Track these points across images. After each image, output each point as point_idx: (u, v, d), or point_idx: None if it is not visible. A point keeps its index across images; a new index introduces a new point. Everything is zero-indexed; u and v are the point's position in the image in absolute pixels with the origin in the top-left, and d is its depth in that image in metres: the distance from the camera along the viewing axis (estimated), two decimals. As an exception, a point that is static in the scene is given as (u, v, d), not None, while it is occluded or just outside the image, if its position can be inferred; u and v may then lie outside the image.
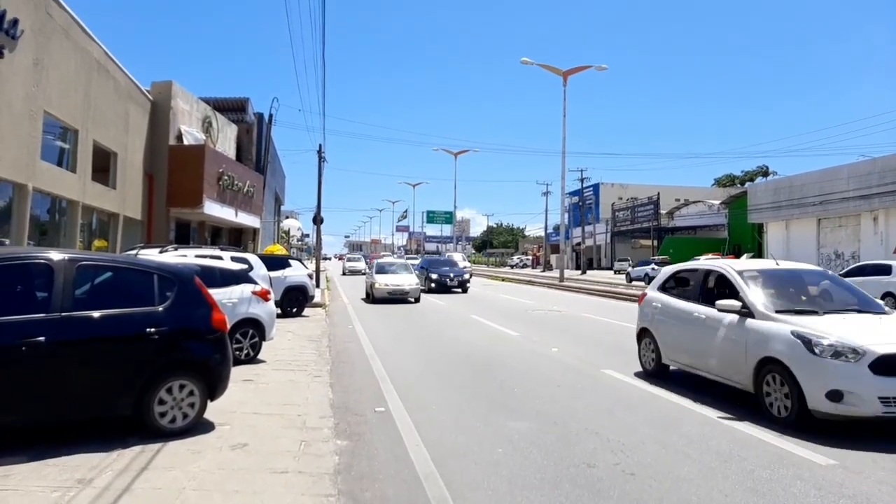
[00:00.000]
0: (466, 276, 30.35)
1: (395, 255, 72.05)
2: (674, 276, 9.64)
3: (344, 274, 50.82)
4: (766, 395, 6.90)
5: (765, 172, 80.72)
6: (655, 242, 65.40)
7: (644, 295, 9.89)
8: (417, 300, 23.69)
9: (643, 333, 9.60)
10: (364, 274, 38.22)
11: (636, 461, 5.51)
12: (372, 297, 23.91)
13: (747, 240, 55.19)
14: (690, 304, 8.59)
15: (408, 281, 24.00)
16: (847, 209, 38.87)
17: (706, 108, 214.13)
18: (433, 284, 29.01)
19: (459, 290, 29.46)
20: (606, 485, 4.94)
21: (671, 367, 9.13)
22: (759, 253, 50.08)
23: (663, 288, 9.57)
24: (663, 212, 66.64)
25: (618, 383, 8.95)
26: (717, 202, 64.32)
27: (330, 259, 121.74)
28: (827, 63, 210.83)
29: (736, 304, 7.55)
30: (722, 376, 7.78)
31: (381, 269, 25.18)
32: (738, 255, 51.81)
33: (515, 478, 5.09)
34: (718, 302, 7.78)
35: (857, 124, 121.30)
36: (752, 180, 73.99)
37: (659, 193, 65.81)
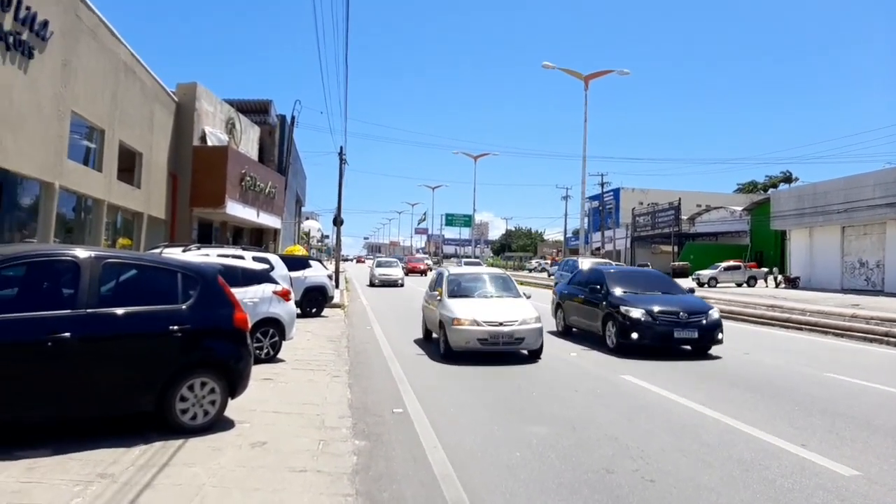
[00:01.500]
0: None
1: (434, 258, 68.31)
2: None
3: (373, 284, 35.83)
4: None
5: (788, 179, 79.77)
6: (676, 248, 64.83)
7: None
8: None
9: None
10: (400, 285, 33.90)
11: (656, 468, 5.46)
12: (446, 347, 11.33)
13: (770, 247, 54.53)
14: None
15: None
16: (873, 217, 38.22)
17: (729, 113, 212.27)
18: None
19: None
20: (625, 491, 4.91)
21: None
22: (781, 260, 49.48)
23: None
24: (684, 217, 66.02)
25: (637, 389, 8.89)
26: (740, 208, 63.66)
27: (351, 260, 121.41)
28: (852, 68, 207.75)
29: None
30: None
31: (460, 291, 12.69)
32: (760, 263, 51.28)
33: (533, 482, 5.08)
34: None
35: (883, 131, 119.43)
36: (774, 186, 73.18)
37: (680, 199, 65.20)
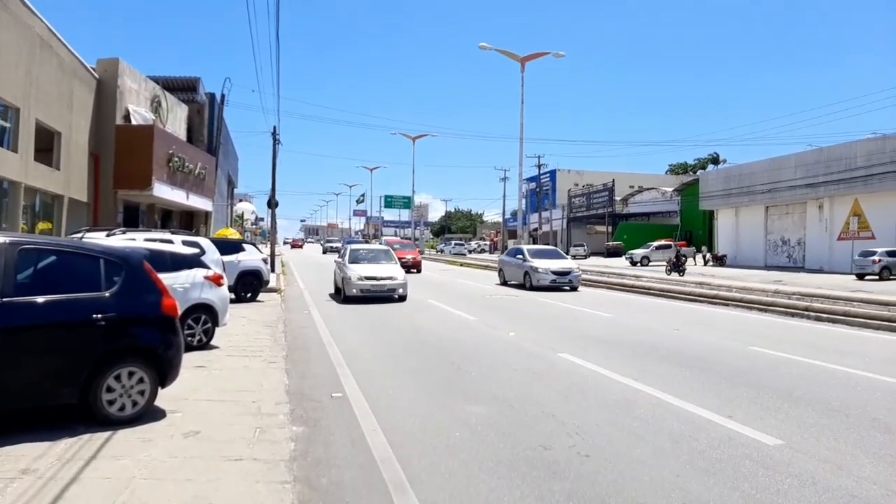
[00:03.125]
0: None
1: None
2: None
3: (347, 297, 18.53)
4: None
5: (715, 160, 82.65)
6: (610, 228, 66.44)
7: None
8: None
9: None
10: (400, 298, 19.16)
11: (591, 443, 5.58)
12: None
13: (698, 226, 56.54)
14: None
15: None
16: (794, 197, 40.12)
17: (661, 95, 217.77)
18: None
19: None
20: (562, 466, 5.00)
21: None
22: (710, 239, 51.40)
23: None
24: (618, 198, 67.71)
25: (574, 367, 9.07)
26: (670, 189, 65.66)
27: (287, 244, 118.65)
28: (778, 52, 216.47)
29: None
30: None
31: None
32: (689, 241, 53.12)
33: (472, 461, 5.11)
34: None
35: (804, 114, 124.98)
36: (703, 168, 75.69)
37: (614, 180, 66.75)
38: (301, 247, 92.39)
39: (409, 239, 73.29)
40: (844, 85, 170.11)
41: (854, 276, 29.00)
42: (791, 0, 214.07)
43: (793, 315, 16.45)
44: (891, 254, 28.56)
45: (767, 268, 38.72)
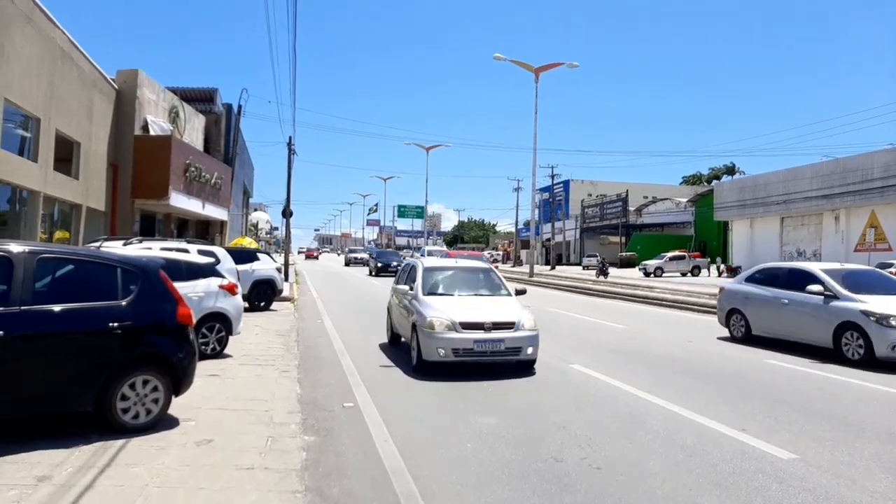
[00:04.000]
0: None
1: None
2: None
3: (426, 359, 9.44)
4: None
5: (731, 171, 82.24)
6: (623, 239, 66.19)
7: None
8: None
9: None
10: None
11: (603, 456, 5.56)
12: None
13: (713, 237, 56.18)
14: None
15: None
16: (809, 208, 39.79)
17: (676, 106, 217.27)
18: None
19: None
20: (573, 479, 4.98)
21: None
22: (724, 250, 51.04)
23: None
24: (631, 209, 67.48)
25: (586, 378, 9.04)
26: (685, 200, 65.35)
27: (301, 253, 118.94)
28: (795, 64, 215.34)
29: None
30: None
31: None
32: (703, 252, 52.80)
33: (483, 472, 5.11)
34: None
35: (821, 125, 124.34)
36: (718, 178, 75.30)
37: (627, 191, 66.58)
38: (316, 257, 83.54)
39: (477, 250, 72.10)
40: (862, 96, 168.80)
41: (871, 289, 28.65)
42: (810, 11, 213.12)
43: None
44: (909, 266, 28.16)
45: (783, 279, 38.30)
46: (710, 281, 37.06)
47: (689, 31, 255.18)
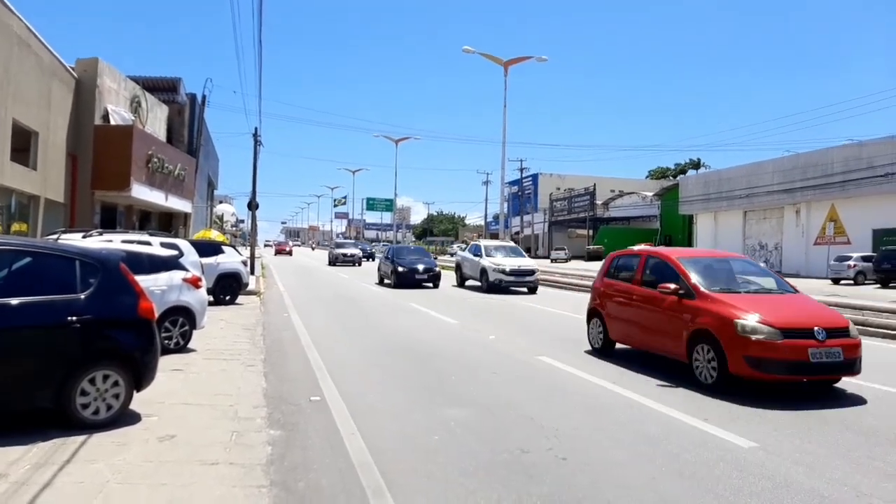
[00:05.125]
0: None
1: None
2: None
3: None
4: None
5: (696, 165, 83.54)
6: (591, 232, 66.89)
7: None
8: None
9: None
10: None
11: (569, 446, 5.61)
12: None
13: (678, 231, 57.07)
14: None
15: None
16: (771, 202, 40.68)
17: (643, 101, 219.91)
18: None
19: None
20: (540, 470, 5.02)
21: None
22: (689, 243, 51.88)
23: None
24: (599, 202, 68.20)
25: (553, 370, 9.11)
26: (651, 194, 66.26)
27: (271, 245, 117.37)
28: (759, 60, 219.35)
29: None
30: None
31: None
32: (669, 245, 53.59)
33: (451, 464, 5.11)
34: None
35: (783, 120, 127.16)
36: (683, 173, 76.46)
37: (595, 185, 67.25)
38: (289, 252, 68.28)
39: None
40: (824, 92, 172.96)
41: (830, 281, 29.45)
42: (775, 7, 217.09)
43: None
44: (865, 259, 29.04)
45: (745, 272, 39.09)
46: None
47: (657, 26, 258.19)
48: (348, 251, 43.95)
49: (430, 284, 24.89)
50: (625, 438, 5.89)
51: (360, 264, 42.19)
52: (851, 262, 29.09)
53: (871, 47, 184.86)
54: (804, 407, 7.20)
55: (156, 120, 30.22)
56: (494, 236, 67.12)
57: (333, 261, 43.37)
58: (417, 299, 19.72)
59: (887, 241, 31.20)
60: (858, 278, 28.47)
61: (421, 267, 24.87)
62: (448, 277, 27.94)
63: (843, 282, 28.80)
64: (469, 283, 25.39)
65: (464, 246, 75.13)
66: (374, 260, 46.53)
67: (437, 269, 25.56)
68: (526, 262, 24.35)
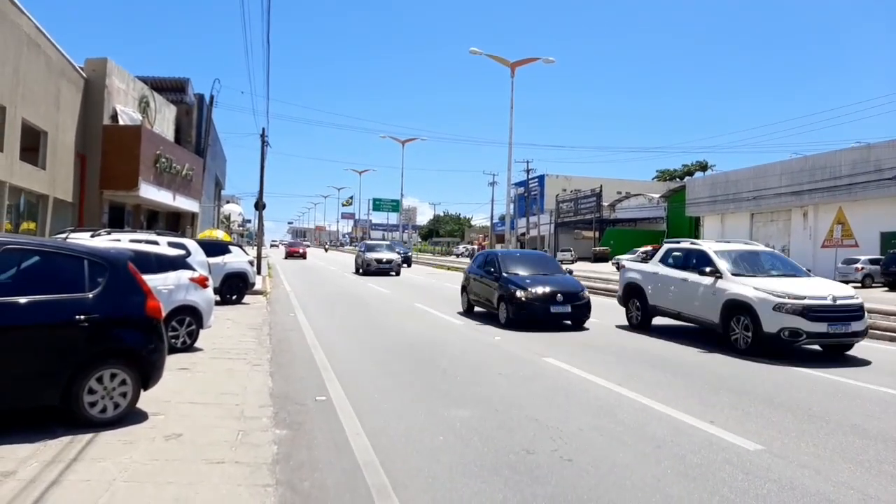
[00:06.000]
0: None
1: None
2: None
3: None
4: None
5: (703, 167, 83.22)
6: (597, 234, 66.76)
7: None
8: None
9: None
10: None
11: (574, 447, 5.61)
12: None
13: (685, 232, 56.75)
14: None
15: None
16: (779, 204, 40.52)
17: (650, 102, 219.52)
18: None
19: None
20: (544, 471, 5.02)
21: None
22: (695, 245, 51.68)
23: None
24: (605, 204, 68.06)
25: (559, 371, 9.11)
26: (657, 195, 66.08)
27: (277, 245, 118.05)
28: (768, 62, 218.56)
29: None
30: None
31: None
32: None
33: (455, 465, 5.12)
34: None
35: (791, 122, 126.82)
36: (690, 174, 76.22)
37: (601, 186, 67.14)
38: (303, 255, 56.94)
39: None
40: (832, 94, 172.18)
41: (837, 284, 29.31)
42: (781, 11, 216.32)
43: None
44: (873, 262, 28.92)
45: (752, 274, 38.94)
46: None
47: (665, 28, 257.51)
48: (384, 255, 33.37)
49: (571, 323, 14.34)
50: (630, 440, 5.88)
51: (398, 273, 33.29)
52: (859, 265, 28.96)
53: (879, 51, 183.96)
54: (811, 410, 7.17)
55: (164, 120, 30.36)
56: (501, 237, 67.11)
57: (364, 268, 32.80)
58: (422, 299, 19.65)
59: (895, 243, 31.03)
60: (866, 281, 28.35)
61: (559, 293, 13.92)
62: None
63: (850, 284, 28.62)
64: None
65: (468, 249, 74.88)
66: (410, 265, 44.54)
67: (586, 294, 14.49)
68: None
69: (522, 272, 14.80)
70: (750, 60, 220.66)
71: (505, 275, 14.53)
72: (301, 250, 58.84)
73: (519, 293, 13.70)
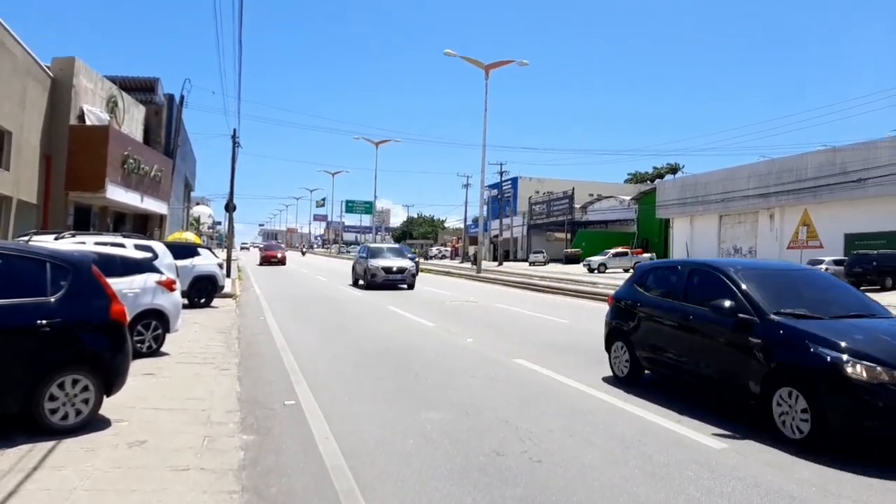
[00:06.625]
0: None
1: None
2: None
3: None
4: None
5: (674, 170, 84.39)
6: (569, 235, 67.26)
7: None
8: None
9: None
10: None
11: (543, 449, 5.63)
12: None
13: (655, 234, 57.60)
14: None
15: None
16: (746, 207, 41.23)
17: (622, 105, 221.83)
18: None
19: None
20: (514, 473, 5.03)
21: None
22: (665, 246, 52.39)
23: None
24: (577, 206, 68.60)
25: (530, 373, 9.14)
26: (628, 198, 66.81)
27: (249, 247, 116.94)
28: (737, 66, 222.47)
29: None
30: None
31: None
32: (645, 249, 54.08)
33: (426, 468, 5.10)
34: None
35: (759, 126, 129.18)
36: (661, 177, 77.15)
37: (574, 188, 67.65)
38: (281, 261, 48.41)
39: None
40: (799, 98, 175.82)
41: (803, 284, 29.88)
42: (751, 15, 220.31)
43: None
44: (837, 262, 29.55)
45: (721, 275, 39.53)
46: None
47: (639, 32, 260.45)
48: (394, 262, 25.60)
49: None
50: (599, 440, 5.92)
51: (412, 285, 25.76)
52: (824, 266, 29.51)
53: (846, 57, 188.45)
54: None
55: (132, 120, 29.87)
56: (474, 239, 67.23)
57: (368, 280, 25.18)
58: (395, 301, 19.53)
59: (858, 245, 31.79)
60: (831, 282, 28.93)
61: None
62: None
63: (815, 285, 29.22)
64: None
65: (440, 251, 74.91)
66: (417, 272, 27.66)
67: None
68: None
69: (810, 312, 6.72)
70: (720, 64, 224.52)
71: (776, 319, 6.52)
72: (279, 255, 49.42)
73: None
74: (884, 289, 26.39)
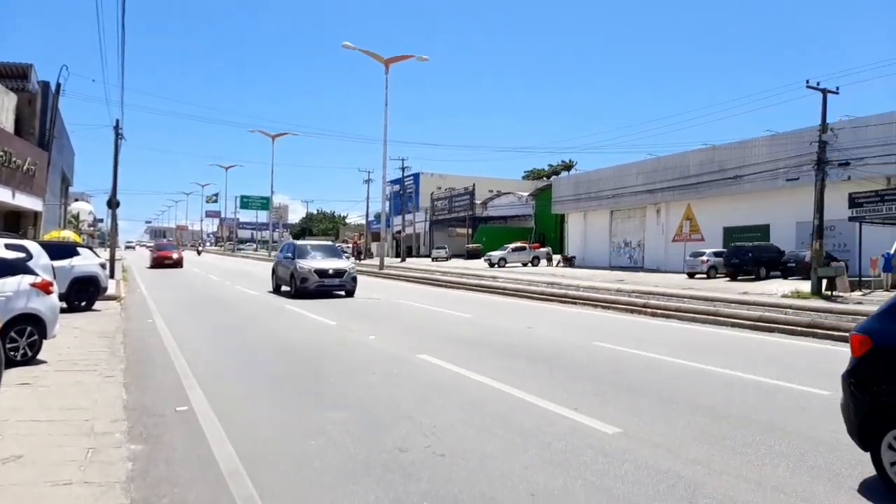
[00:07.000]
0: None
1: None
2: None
3: None
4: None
5: (568, 167, 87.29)
6: (470, 231, 68.22)
7: None
8: None
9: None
10: None
11: (446, 442, 5.67)
12: None
13: (551, 229, 59.47)
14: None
15: None
16: (635, 202, 43.28)
17: (520, 104, 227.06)
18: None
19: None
20: (417, 467, 5.03)
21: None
22: (561, 241, 54.21)
23: None
24: (478, 202, 69.66)
25: (432, 368, 9.18)
26: (526, 194, 68.57)
27: (134, 246, 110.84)
28: (631, 66, 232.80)
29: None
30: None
31: None
32: (543, 244, 55.74)
33: (328, 468, 5.01)
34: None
35: (648, 125, 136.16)
36: (557, 174, 79.71)
37: (474, 184, 68.62)
38: (178, 263, 41.88)
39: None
40: (685, 96, 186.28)
41: (686, 275, 31.77)
42: (649, 12, 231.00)
43: (633, 311, 17.73)
44: (717, 254, 31.57)
45: (612, 268, 41.45)
46: (549, 270, 39.28)
47: (532, 31, 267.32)
48: (329, 264, 21.34)
49: None
50: (499, 431, 6.03)
51: (352, 292, 21.44)
52: (705, 258, 31.50)
53: (726, 61, 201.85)
54: (662, 394, 7.70)
55: (2, 109, 27.52)
56: (376, 235, 66.83)
57: (297, 286, 20.69)
58: (294, 300, 19.11)
59: (736, 237, 34.11)
60: (711, 272, 30.90)
61: None
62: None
63: (697, 276, 31.13)
64: None
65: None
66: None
67: None
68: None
69: None
70: (615, 61, 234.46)
71: None
72: (175, 255, 42.67)
73: None
74: (758, 278, 28.43)
